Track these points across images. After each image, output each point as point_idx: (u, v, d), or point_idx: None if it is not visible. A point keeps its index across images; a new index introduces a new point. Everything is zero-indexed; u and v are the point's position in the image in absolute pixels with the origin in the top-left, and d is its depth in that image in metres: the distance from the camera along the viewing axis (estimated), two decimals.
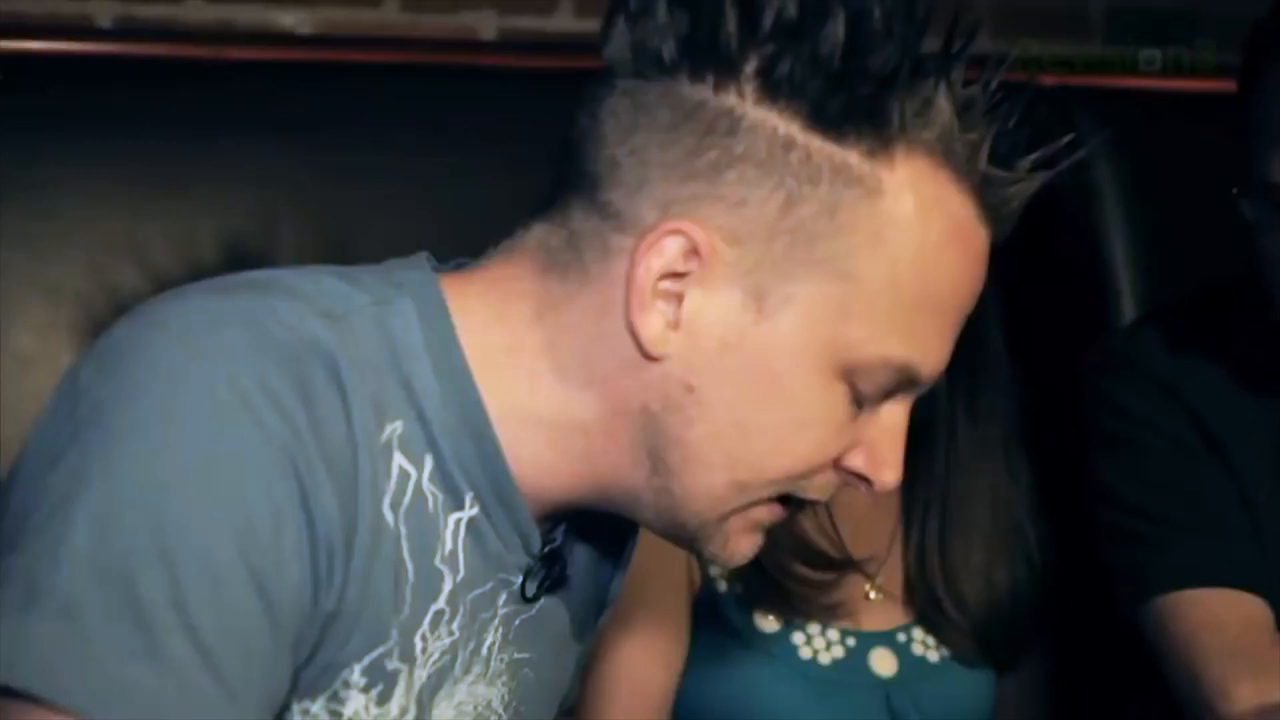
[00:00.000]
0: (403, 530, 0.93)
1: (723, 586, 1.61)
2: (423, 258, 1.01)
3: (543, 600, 1.06)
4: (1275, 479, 1.55)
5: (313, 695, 0.92)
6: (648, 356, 0.93)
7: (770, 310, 0.92)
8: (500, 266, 0.99)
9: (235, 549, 0.83)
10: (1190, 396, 1.56)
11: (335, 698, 0.93)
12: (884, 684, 1.62)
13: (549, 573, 1.04)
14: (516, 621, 1.04)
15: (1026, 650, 1.73)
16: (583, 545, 1.12)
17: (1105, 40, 2.45)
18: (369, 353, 0.93)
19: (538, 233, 0.97)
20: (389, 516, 0.92)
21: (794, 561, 1.60)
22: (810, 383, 0.93)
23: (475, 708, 1.03)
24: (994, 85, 0.93)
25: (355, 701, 0.93)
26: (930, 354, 0.95)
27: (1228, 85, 1.53)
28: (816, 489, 0.99)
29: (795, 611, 1.61)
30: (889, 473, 0.98)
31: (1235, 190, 1.46)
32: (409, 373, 0.94)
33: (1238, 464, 1.55)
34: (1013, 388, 1.69)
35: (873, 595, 1.66)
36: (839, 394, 0.94)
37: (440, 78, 1.79)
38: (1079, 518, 1.64)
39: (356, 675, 0.93)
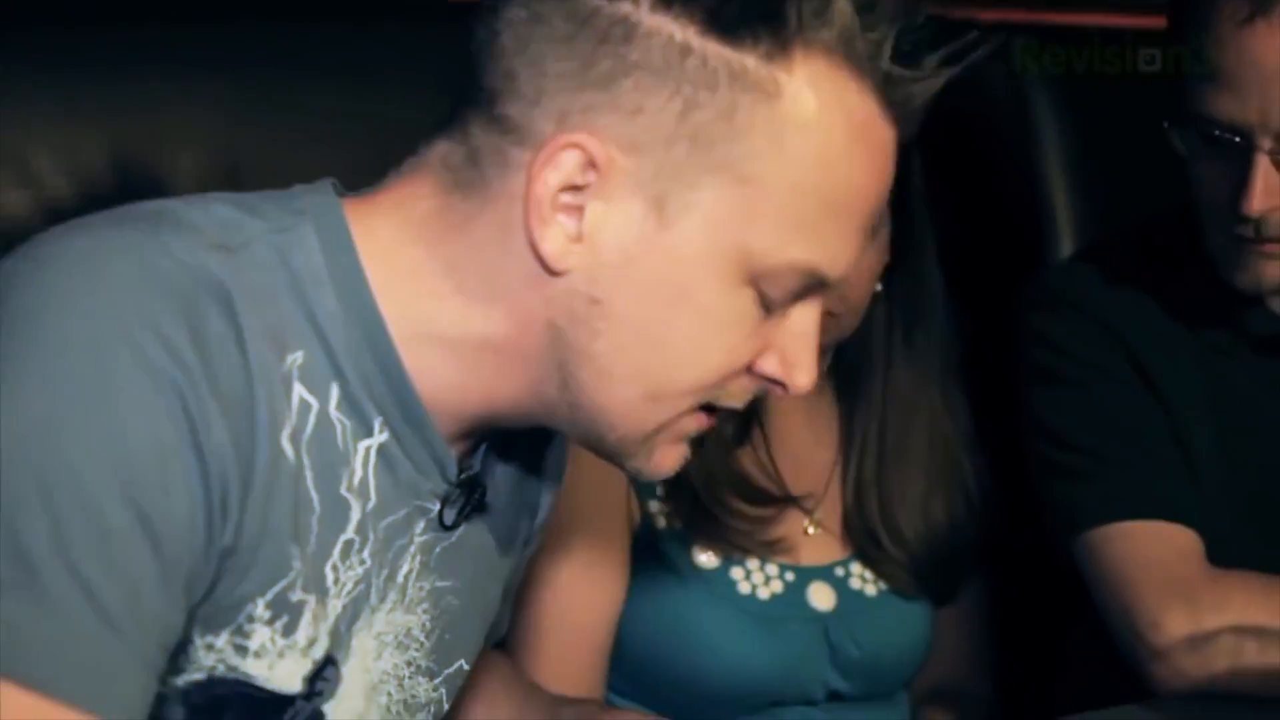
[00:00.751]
0: (305, 461, 0.93)
1: (662, 523, 1.61)
2: (327, 184, 1.00)
3: (463, 527, 1.06)
4: (1207, 410, 1.57)
5: (215, 630, 0.92)
6: (550, 271, 0.93)
7: (672, 218, 0.92)
8: (404, 187, 0.98)
9: (117, 488, 0.83)
10: (1125, 331, 1.58)
11: (240, 631, 0.93)
12: (822, 618, 1.63)
13: (468, 500, 1.05)
14: (437, 549, 1.05)
15: (964, 582, 1.74)
16: (504, 466, 1.12)
17: None
18: (267, 283, 0.92)
19: (440, 150, 0.97)
20: (288, 449, 0.92)
21: (733, 497, 1.60)
22: (716, 290, 0.93)
23: (395, 636, 1.03)
24: None
25: (261, 634, 0.94)
26: (836, 256, 0.96)
27: (1161, 22, 1.53)
28: (733, 396, 0.99)
29: (734, 547, 1.61)
30: (802, 375, 0.99)
31: (1166, 123, 1.47)
32: (311, 301, 0.94)
33: (1171, 397, 1.56)
34: (950, 322, 1.69)
35: (811, 530, 1.66)
36: (746, 299, 0.94)
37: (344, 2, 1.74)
38: (1016, 451, 1.64)
39: (260, 609, 0.93)
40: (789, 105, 0.91)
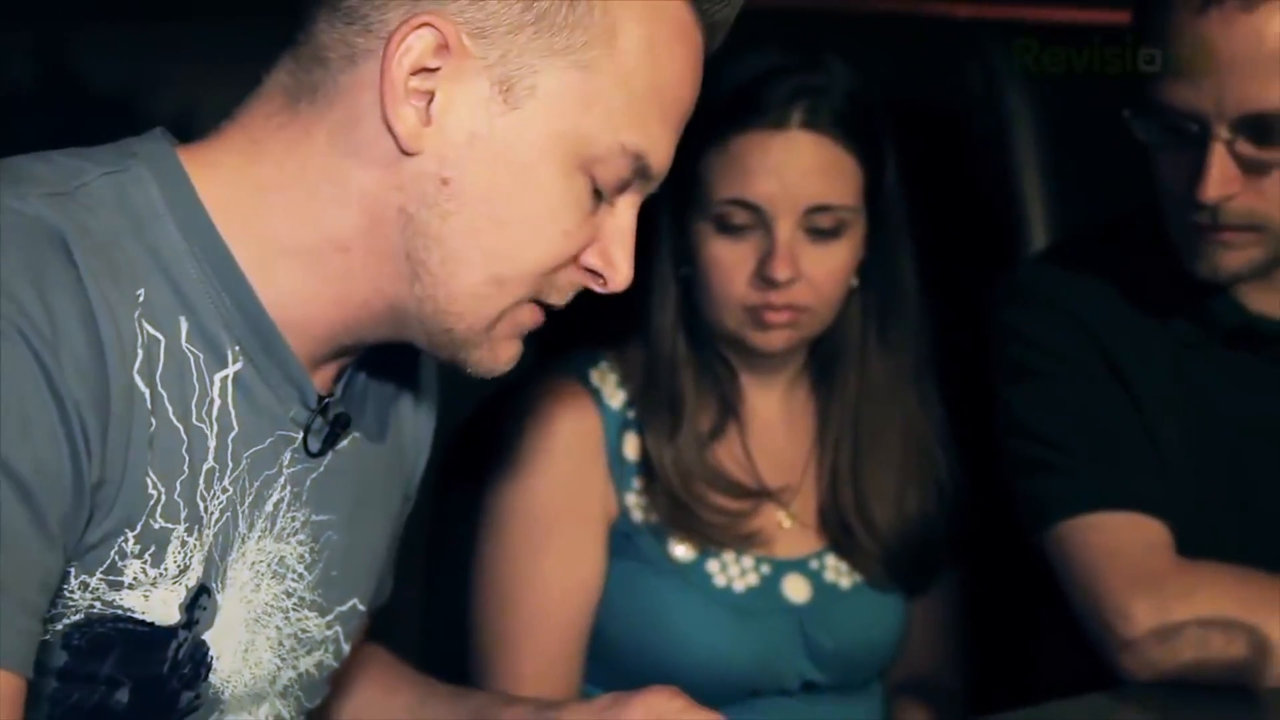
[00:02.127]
0: (162, 394, 0.95)
1: (639, 516, 1.62)
2: (157, 131, 1.03)
3: (332, 457, 1.08)
4: (1177, 403, 1.57)
5: (89, 569, 0.94)
6: (404, 152, 0.97)
7: (516, 101, 0.97)
8: (247, 114, 1.02)
9: None
10: (1096, 326, 1.59)
11: (113, 567, 0.95)
12: (797, 610, 1.63)
13: (333, 427, 1.07)
14: (308, 480, 1.07)
15: (936, 574, 1.75)
16: (375, 398, 1.15)
17: None
18: (105, 224, 0.95)
19: (283, 65, 1.01)
20: (140, 384, 0.93)
21: (709, 491, 1.61)
22: (555, 172, 0.99)
23: (269, 565, 1.05)
24: None
25: (132, 567, 0.96)
26: (659, 145, 1.02)
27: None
28: (561, 290, 1.04)
29: (710, 540, 1.61)
30: (620, 274, 1.04)
31: (1127, 112, 1.49)
32: (151, 236, 0.97)
33: (1140, 390, 1.57)
34: (924, 318, 1.70)
35: (786, 523, 1.67)
36: (581, 185, 1.00)
37: None
38: (988, 445, 1.65)
39: (130, 543, 0.95)
40: (622, 2, 0.97)
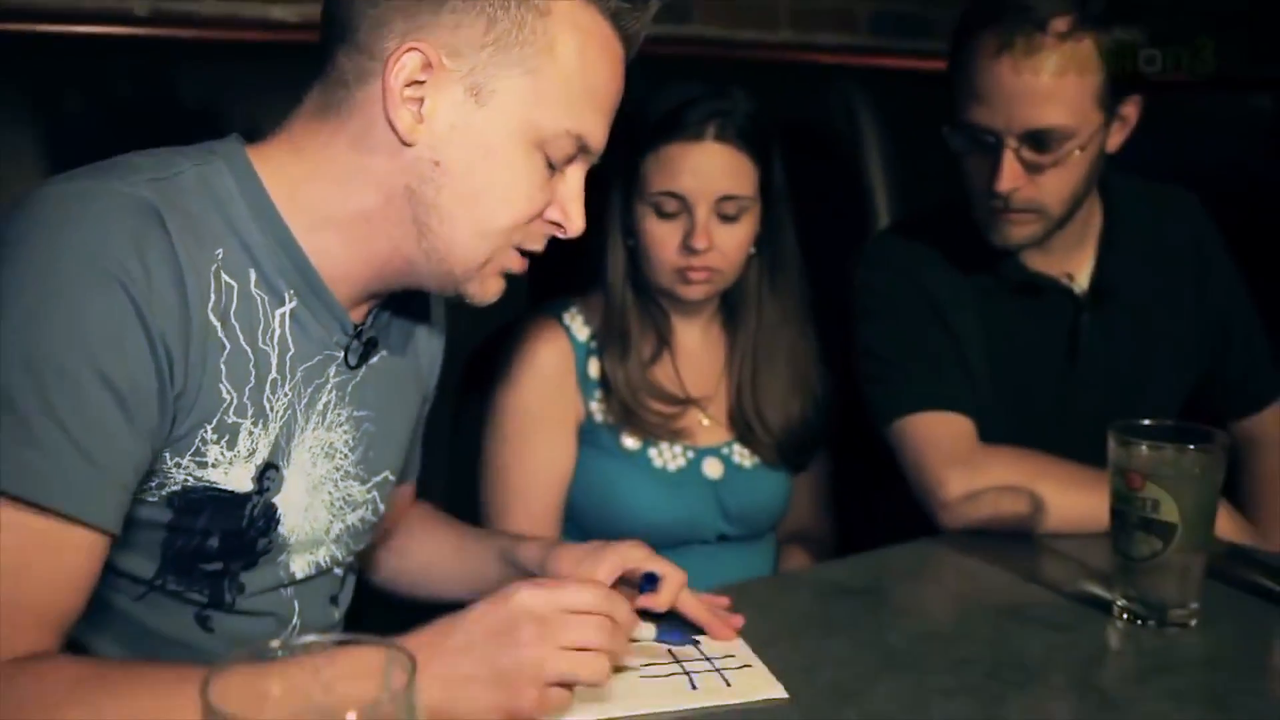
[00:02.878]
0: (234, 325, 0.96)
1: (599, 417, 1.61)
2: (233, 135, 1.03)
3: (366, 369, 1.10)
4: (978, 334, 1.58)
5: (180, 454, 0.96)
6: (404, 144, 0.98)
7: (484, 101, 0.98)
8: (292, 124, 1.02)
9: (84, 359, 0.86)
10: (923, 281, 1.59)
11: (198, 453, 0.97)
12: (713, 484, 1.64)
13: (365, 348, 1.09)
14: (349, 387, 1.09)
15: (813, 456, 1.76)
16: (398, 327, 1.16)
17: (870, 31, 2.46)
18: (193, 201, 0.96)
19: (315, 89, 1.01)
20: (214, 319, 0.95)
21: (650, 399, 1.61)
22: (517, 151, 1.00)
23: (322, 449, 1.07)
24: None
25: (212, 451, 0.97)
26: (595, 128, 1.03)
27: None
28: (534, 238, 1.05)
29: (651, 434, 1.61)
30: (574, 223, 1.05)
31: (945, 129, 1.49)
32: (228, 212, 0.98)
33: (954, 326, 1.57)
34: (803, 273, 1.68)
35: (705, 422, 1.66)
36: (538, 160, 1.01)
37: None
38: (847, 366, 1.66)
39: (210, 432, 0.96)
40: (557, 21, 0.98)
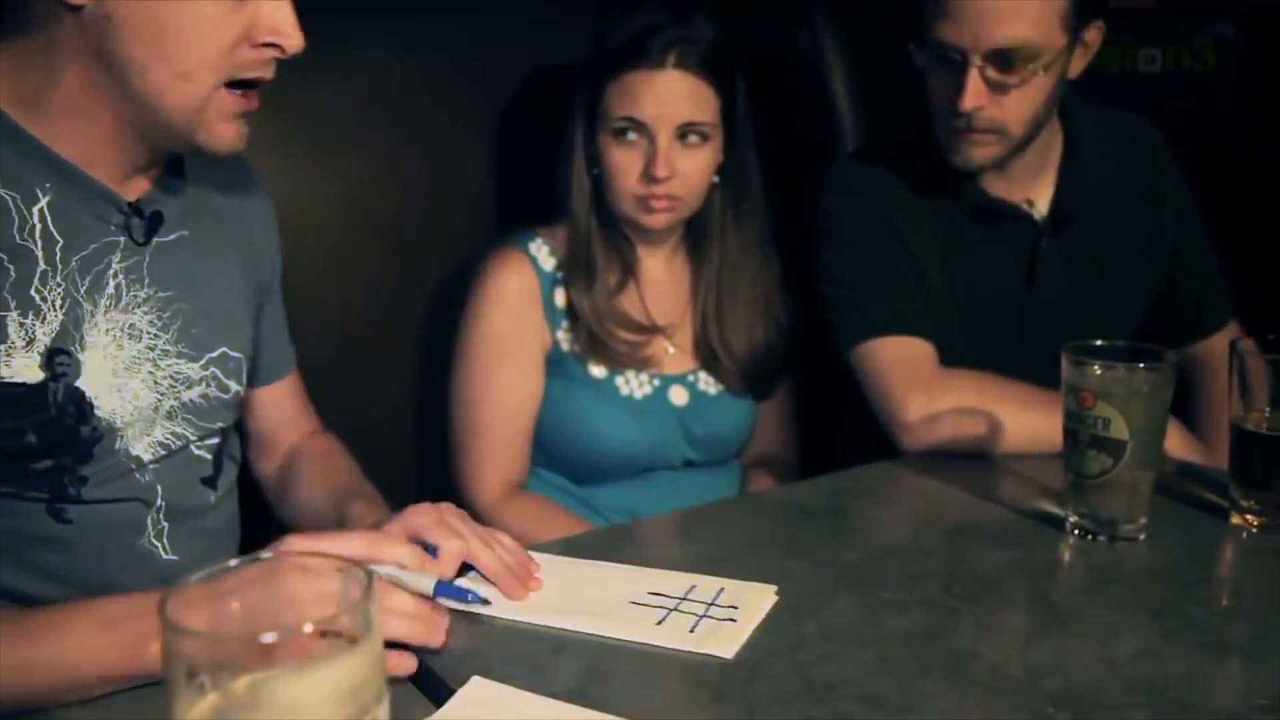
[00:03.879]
0: None
1: (566, 346, 1.61)
2: None
3: (158, 245, 1.08)
4: (941, 261, 1.58)
5: None
6: (71, 8, 0.95)
7: None
8: None
9: None
10: (884, 205, 1.59)
11: None
12: (679, 410, 1.64)
13: (150, 222, 1.06)
14: (144, 266, 1.07)
15: (777, 384, 1.77)
16: (197, 200, 1.13)
17: None
18: None
19: (3, 11, 0.99)
20: None
21: (616, 328, 1.61)
22: None
23: (123, 330, 1.06)
24: None
25: None
26: None
27: None
28: (249, 67, 1.00)
29: (618, 363, 1.61)
30: (293, 39, 1.00)
31: (911, 46, 1.48)
32: None
33: (914, 251, 1.58)
34: (767, 201, 1.68)
35: (671, 350, 1.66)
36: None
37: None
38: (811, 293, 1.66)
39: None
40: None
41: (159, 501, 1.10)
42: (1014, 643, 0.99)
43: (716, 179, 1.62)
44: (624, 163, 1.55)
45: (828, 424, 1.86)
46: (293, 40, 1.00)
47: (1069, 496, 1.21)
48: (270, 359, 1.30)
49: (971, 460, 1.42)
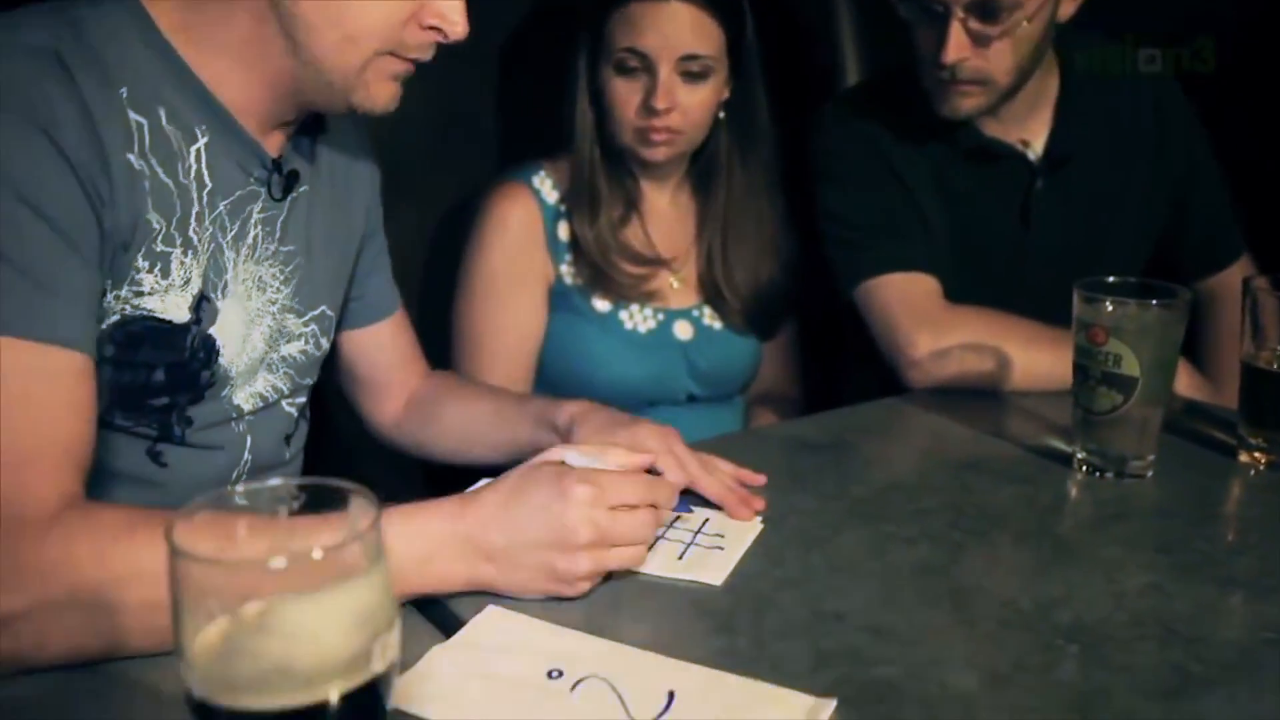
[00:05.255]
0: (151, 160, 0.96)
1: (570, 279, 1.59)
2: None
3: (290, 203, 1.10)
4: (936, 198, 1.56)
5: (118, 284, 0.96)
6: None
7: None
8: None
9: (16, 199, 0.86)
10: (880, 143, 1.57)
11: (133, 281, 0.97)
12: (683, 345, 1.63)
13: (286, 180, 1.08)
14: (276, 222, 1.09)
15: (782, 324, 1.75)
16: (323, 158, 1.15)
17: None
18: (91, 43, 0.94)
19: None
20: (134, 160, 0.94)
21: (620, 261, 1.59)
22: None
23: (254, 281, 1.08)
24: None
25: (147, 280, 0.98)
26: None
27: None
28: (415, 46, 1.01)
29: (622, 296, 1.60)
30: (457, 26, 1.01)
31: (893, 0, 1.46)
32: (127, 50, 0.97)
33: (913, 189, 1.56)
34: (773, 142, 1.66)
35: (675, 284, 1.65)
36: None
37: None
38: (813, 232, 1.64)
39: (140, 260, 0.97)
40: None
41: (246, 455, 1.12)
42: (1021, 577, 0.99)
43: (721, 115, 1.60)
44: (624, 94, 1.53)
45: (830, 362, 1.86)
46: (458, 28, 1.01)
47: (1078, 432, 1.20)
48: (373, 299, 1.31)
49: (978, 396, 1.41)
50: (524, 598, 0.91)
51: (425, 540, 0.89)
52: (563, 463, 0.99)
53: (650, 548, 0.98)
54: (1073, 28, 1.52)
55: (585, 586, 0.92)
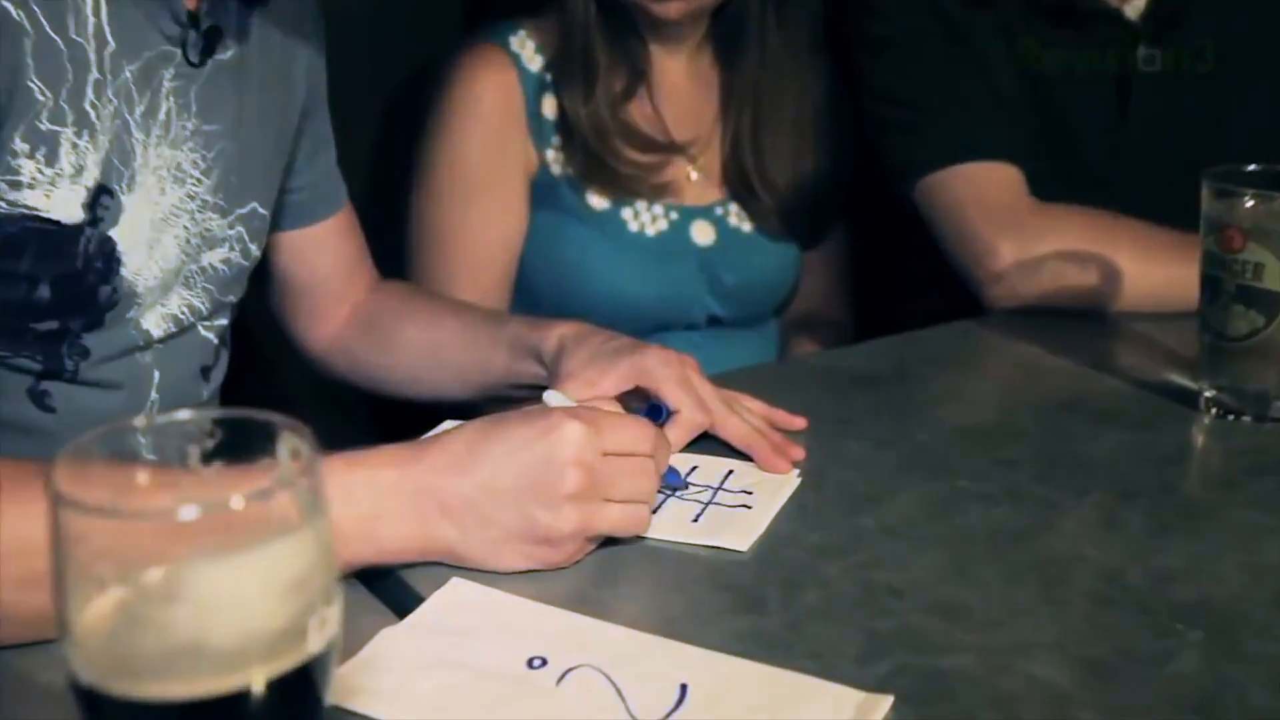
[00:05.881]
0: (37, 10, 0.95)
1: (557, 169, 1.59)
2: None
3: (213, 68, 1.10)
4: (1011, 68, 1.56)
5: None
6: None
7: None
8: None
9: None
10: (942, 4, 1.56)
11: (9, 169, 0.96)
12: (703, 251, 1.63)
13: (207, 39, 1.08)
14: (192, 92, 1.08)
15: (828, 228, 1.76)
16: (257, 23, 1.15)
17: None
18: None
19: None
20: (9, 5, 0.94)
21: (622, 145, 1.59)
22: None
23: (169, 171, 1.07)
24: None
25: (27, 167, 0.97)
26: None
27: None
28: None
29: (624, 191, 1.60)
30: None
31: None
32: None
33: (982, 58, 1.55)
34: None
35: (693, 175, 1.65)
36: None
37: None
38: (861, 116, 1.64)
39: (20, 142, 0.96)
40: None
41: (153, 394, 1.12)
42: (1131, 545, 0.99)
43: None
44: None
45: (888, 276, 1.86)
46: None
47: (1205, 365, 1.20)
48: (315, 193, 1.32)
49: (1076, 319, 1.42)
50: (496, 569, 0.91)
51: (369, 492, 0.88)
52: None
53: (656, 509, 0.99)
54: None
55: (573, 551, 0.92)
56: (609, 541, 0.95)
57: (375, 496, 0.88)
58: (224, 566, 0.58)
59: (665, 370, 1.11)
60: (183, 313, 1.13)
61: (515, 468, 0.90)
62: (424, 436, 0.94)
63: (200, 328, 1.16)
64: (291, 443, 0.63)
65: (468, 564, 0.91)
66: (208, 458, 0.65)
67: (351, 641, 0.79)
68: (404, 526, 0.89)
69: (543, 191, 1.60)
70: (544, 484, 0.90)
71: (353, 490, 0.88)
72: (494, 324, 1.30)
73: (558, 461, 0.90)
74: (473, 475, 0.90)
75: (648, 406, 1.10)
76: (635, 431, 0.95)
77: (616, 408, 1.06)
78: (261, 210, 1.19)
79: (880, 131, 1.59)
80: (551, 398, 1.04)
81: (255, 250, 1.20)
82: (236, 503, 0.58)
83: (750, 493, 1.04)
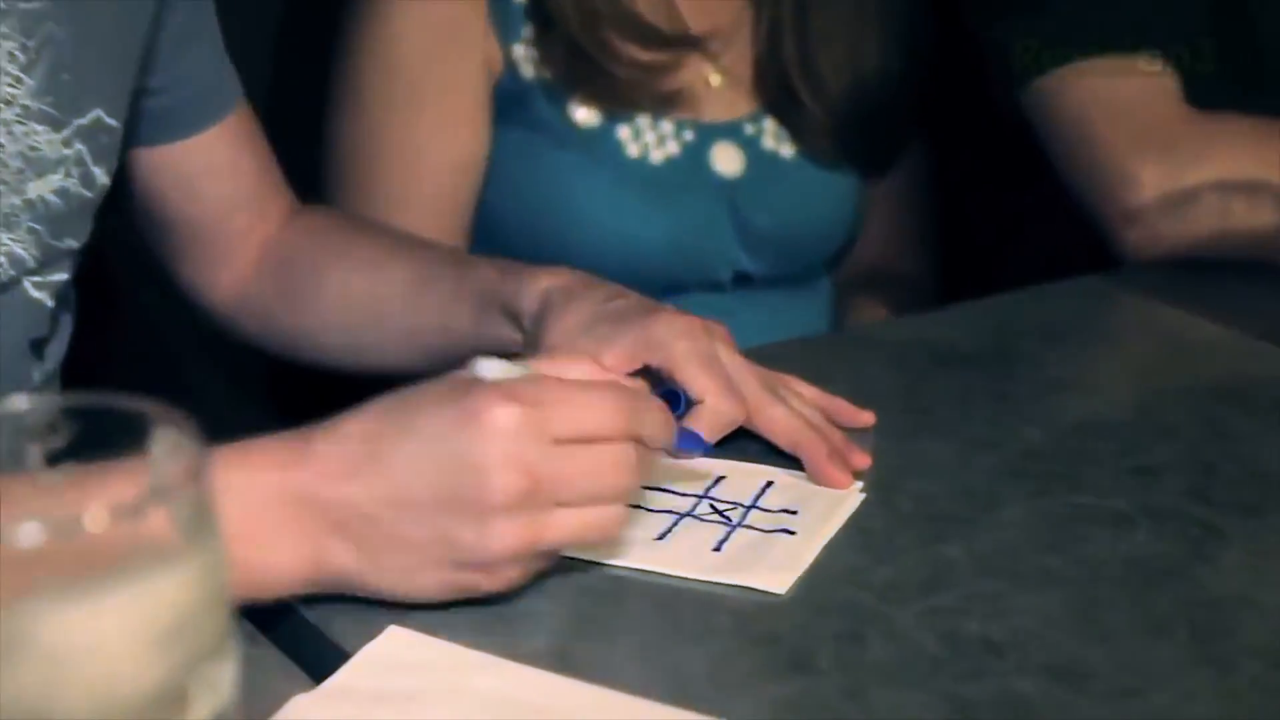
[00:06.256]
0: None
1: (530, 71, 1.60)
2: None
3: None
4: None
5: None
6: None
7: None
8: None
9: None
10: None
11: None
12: (728, 184, 1.64)
13: None
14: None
15: (899, 149, 1.77)
16: None
17: None
18: None
19: None
20: None
21: (619, 38, 1.59)
22: None
23: None
24: None
25: None
26: None
27: None
28: None
29: (620, 101, 1.61)
30: None
31: None
32: None
33: None
34: None
35: (715, 80, 1.66)
36: None
37: None
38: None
39: None
40: None
41: None
42: None
43: None
44: None
45: (982, 219, 1.87)
46: None
47: None
48: (193, 90, 1.30)
49: (1243, 275, 1.43)
50: (411, 599, 0.90)
51: (239, 505, 0.84)
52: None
53: (664, 535, 1.00)
54: None
55: (513, 576, 0.91)
56: (595, 567, 0.96)
57: (246, 506, 0.87)
58: (76, 608, 0.58)
59: (684, 344, 1.09)
60: (2, 261, 1.12)
61: (428, 471, 0.88)
62: (322, 424, 0.92)
63: (27, 284, 1.15)
64: (169, 438, 0.63)
65: (373, 595, 0.90)
66: (54, 459, 0.65)
67: (251, 712, 0.80)
68: (281, 545, 0.88)
69: (509, 101, 1.61)
70: (466, 492, 0.88)
71: (220, 499, 0.87)
72: (456, 268, 1.30)
73: (482, 461, 0.87)
74: (372, 483, 0.88)
75: (661, 393, 1.08)
76: (599, 406, 0.92)
77: (642, 387, 1.03)
78: (109, 120, 1.17)
79: (979, 14, 1.60)
80: (485, 367, 0.98)
81: (102, 176, 1.18)
82: (94, 521, 0.58)
83: (795, 512, 1.05)
